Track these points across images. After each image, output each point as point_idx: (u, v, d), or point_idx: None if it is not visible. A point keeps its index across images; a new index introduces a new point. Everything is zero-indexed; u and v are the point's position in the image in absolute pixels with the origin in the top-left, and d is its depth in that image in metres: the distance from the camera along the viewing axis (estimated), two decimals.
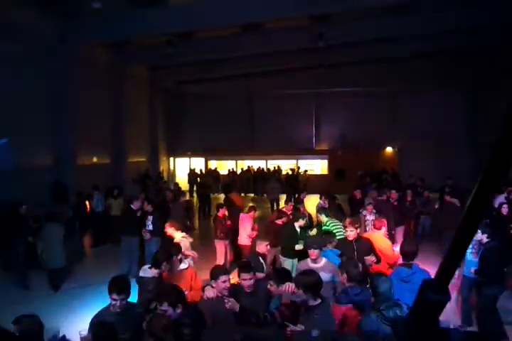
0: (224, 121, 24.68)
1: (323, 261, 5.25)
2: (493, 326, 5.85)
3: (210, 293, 4.07)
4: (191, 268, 5.45)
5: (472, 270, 6.15)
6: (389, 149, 24.32)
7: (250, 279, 4.28)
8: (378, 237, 6.69)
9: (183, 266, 5.37)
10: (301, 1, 12.92)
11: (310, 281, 3.82)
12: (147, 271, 4.98)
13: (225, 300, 3.94)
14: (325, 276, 4.77)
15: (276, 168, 24.27)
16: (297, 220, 7.65)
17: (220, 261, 8.76)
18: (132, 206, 9.53)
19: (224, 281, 4.05)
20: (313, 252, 5.22)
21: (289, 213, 8.71)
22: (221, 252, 8.93)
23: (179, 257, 5.38)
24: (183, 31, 15.80)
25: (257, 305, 4.18)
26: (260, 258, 5.70)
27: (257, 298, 4.30)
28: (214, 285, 4.08)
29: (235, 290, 4.22)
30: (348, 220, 6.47)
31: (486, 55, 20.06)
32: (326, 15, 15.89)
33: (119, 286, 3.83)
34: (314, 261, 5.22)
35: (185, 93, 25.70)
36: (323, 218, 7.78)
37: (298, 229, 7.55)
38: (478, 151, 19.86)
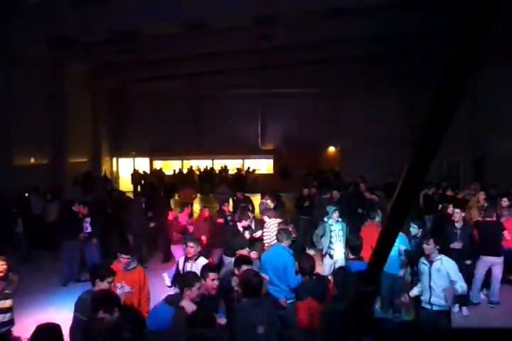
0: (169, 120, 24.32)
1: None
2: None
3: (190, 307, 3.88)
4: (140, 267, 5.39)
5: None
6: (332, 149, 24.97)
7: (218, 279, 4.38)
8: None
9: (132, 264, 5.26)
10: (245, 2, 13.03)
11: (252, 281, 3.99)
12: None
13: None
14: None
15: (223, 167, 24.28)
16: (240, 221, 7.64)
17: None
18: (74, 208, 9.24)
19: (199, 288, 3.98)
20: (246, 252, 5.43)
21: (227, 212, 8.70)
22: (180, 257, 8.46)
23: (128, 257, 5.20)
24: (126, 29, 15.45)
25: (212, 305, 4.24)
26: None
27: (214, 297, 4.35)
28: (188, 293, 3.95)
29: None
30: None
31: (422, 56, 20.98)
32: (270, 17, 16.07)
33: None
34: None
35: (130, 92, 25.10)
36: (266, 219, 7.82)
37: (241, 229, 7.53)
38: None
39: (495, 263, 7.18)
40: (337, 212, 7.74)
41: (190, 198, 12.63)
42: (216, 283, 4.33)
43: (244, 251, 5.34)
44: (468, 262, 6.93)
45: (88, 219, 9.02)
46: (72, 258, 8.89)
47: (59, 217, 10.77)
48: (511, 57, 14.69)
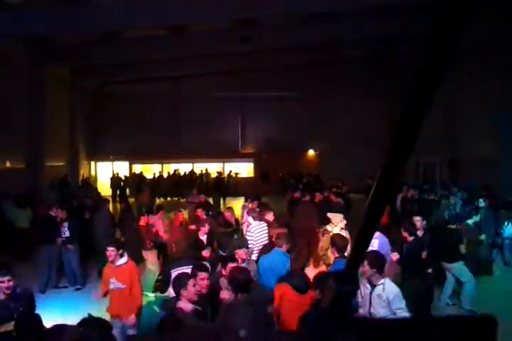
0: (149, 123, 24.17)
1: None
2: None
3: (188, 306, 3.91)
4: (130, 262, 5.48)
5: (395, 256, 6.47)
6: (311, 152, 25.13)
7: (208, 279, 4.40)
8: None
9: (122, 260, 5.36)
10: (228, 6, 13.04)
11: (239, 278, 4.09)
12: None
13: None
14: None
15: (204, 171, 24.21)
16: (199, 229, 7.48)
17: (153, 273, 7.91)
18: (51, 213, 9.10)
19: (194, 285, 4.02)
20: (245, 252, 5.41)
21: (203, 218, 8.53)
22: (153, 263, 8.18)
23: (120, 252, 5.34)
24: (105, 31, 15.33)
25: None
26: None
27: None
28: (185, 293, 3.96)
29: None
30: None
31: (405, 58, 21.31)
32: (251, 20, 16.15)
33: None
34: (243, 261, 5.34)
35: (108, 94, 24.82)
36: (251, 221, 7.65)
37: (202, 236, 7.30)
38: None
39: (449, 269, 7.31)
40: (344, 220, 7.18)
41: (148, 200, 12.77)
42: (206, 282, 4.36)
43: (242, 251, 5.37)
44: (429, 270, 6.82)
45: (66, 224, 8.87)
46: (50, 263, 8.73)
47: (32, 223, 10.53)
48: (487, 60, 15.04)
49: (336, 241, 5.46)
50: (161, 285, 7.33)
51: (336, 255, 5.39)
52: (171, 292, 5.62)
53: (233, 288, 4.06)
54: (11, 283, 4.16)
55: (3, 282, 4.13)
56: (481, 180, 12.64)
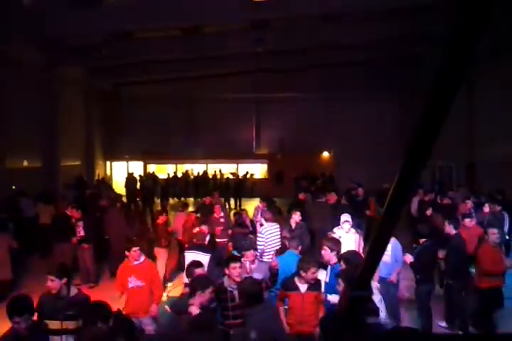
0: (163, 124, 24.33)
1: (256, 262, 5.47)
2: (426, 322, 6.15)
3: (196, 312, 3.92)
4: (147, 260, 5.62)
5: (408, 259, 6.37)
6: (325, 154, 25.02)
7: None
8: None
9: (140, 259, 5.45)
10: (240, 7, 13.07)
11: (251, 290, 4.17)
12: None
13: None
14: (257, 275, 5.08)
15: (218, 172, 24.22)
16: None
17: (162, 270, 8.16)
18: (67, 212, 9.21)
19: (210, 292, 4.01)
20: (252, 254, 5.40)
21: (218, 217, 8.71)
22: (163, 261, 8.39)
23: (136, 250, 5.41)
24: (119, 32, 15.46)
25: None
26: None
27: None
28: (201, 295, 3.96)
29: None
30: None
31: (416, 60, 21.15)
32: (265, 22, 16.15)
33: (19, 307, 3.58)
34: (251, 262, 5.35)
35: (123, 95, 25.04)
36: (264, 222, 7.69)
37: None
38: None
39: None
40: (348, 223, 7.06)
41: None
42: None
43: (249, 253, 5.38)
44: (450, 282, 6.39)
45: (81, 223, 8.97)
46: (64, 261, 8.81)
47: (53, 220, 10.69)
48: (506, 67, 14.83)
49: (331, 246, 5.27)
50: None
51: (334, 260, 5.18)
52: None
53: (246, 301, 4.15)
54: (54, 284, 4.21)
55: (47, 281, 4.26)
56: (499, 183, 12.43)
